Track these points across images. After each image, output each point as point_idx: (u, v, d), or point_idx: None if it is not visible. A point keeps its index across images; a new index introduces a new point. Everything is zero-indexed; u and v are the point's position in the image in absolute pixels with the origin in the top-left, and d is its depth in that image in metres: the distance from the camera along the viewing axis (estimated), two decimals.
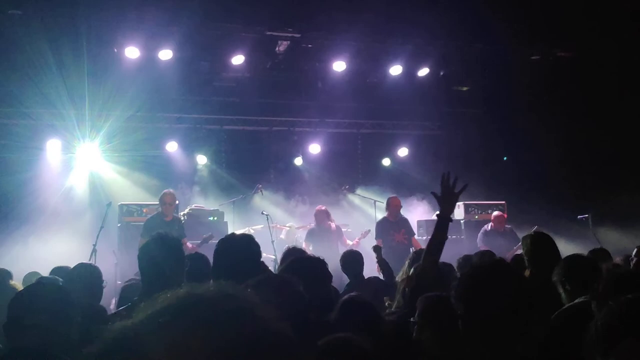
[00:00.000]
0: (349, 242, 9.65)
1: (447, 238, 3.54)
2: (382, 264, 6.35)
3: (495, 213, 10.62)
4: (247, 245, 3.09)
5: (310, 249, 9.12)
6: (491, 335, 2.02)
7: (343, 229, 11.78)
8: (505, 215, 10.85)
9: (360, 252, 6.40)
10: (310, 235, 9.80)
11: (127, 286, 5.04)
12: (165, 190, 9.01)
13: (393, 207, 10.04)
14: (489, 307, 2.04)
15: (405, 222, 10.10)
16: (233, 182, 12.31)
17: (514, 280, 2.14)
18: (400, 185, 12.82)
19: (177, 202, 9.11)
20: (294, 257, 3.47)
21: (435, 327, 2.84)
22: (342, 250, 9.29)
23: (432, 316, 2.87)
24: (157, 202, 9.15)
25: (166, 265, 3.08)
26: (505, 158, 12.64)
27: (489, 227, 10.38)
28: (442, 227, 3.49)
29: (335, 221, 10.37)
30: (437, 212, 3.58)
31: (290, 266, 3.08)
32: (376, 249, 6.74)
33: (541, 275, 3.97)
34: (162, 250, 3.13)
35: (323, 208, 10.07)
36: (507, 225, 10.38)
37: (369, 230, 10.02)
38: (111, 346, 0.80)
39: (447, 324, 2.50)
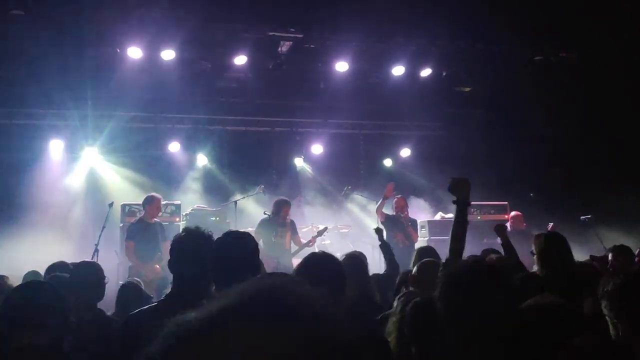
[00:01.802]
0: (303, 241, 9.34)
1: (468, 222, 3.46)
2: (384, 247, 6.33)
3: (513, 213, 10.61)
4: (244, 243, 3.06)
5: (260, 242, 9.01)
6: (472, 340, 2.00)
7: (345, 230, 11.78)
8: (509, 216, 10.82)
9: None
10: (262, 226, 9.20)
11: (125, 287, 5.08)
12: (155, 195, 9.10)
13: (397, 208, 10.03)
14: (469, 310, 2.01)
15: (412, 222, 10.09)
16: (235, 182, 12.30)
17: (498, 283, 2.11)
18: (402, 186, 12.79)
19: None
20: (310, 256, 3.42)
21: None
22: (294, 247, 9.15)
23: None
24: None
25: (200, 261, 2.99)
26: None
27: (509, 227, 10.37)
28: (461, 210, 3.40)
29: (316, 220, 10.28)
30: (454, 199, 3.45)
31: (303, 265, 3.04)
32: (378, 230, 6.72)
33: (553, 275, 3.96)
34: (197, 245, 3.04)
35: (285, 198, 9.62)
36: (524, 224, 10.39)
37: (326, 228, 9.94)
38: (179, 339, 0.75)
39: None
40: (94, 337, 3.31)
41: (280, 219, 9.21)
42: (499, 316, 1.98)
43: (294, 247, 9.28)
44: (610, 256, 6.04)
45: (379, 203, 9.99)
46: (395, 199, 10.18)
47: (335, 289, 2.85)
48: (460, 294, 2.04)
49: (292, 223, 9.46)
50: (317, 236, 9.41)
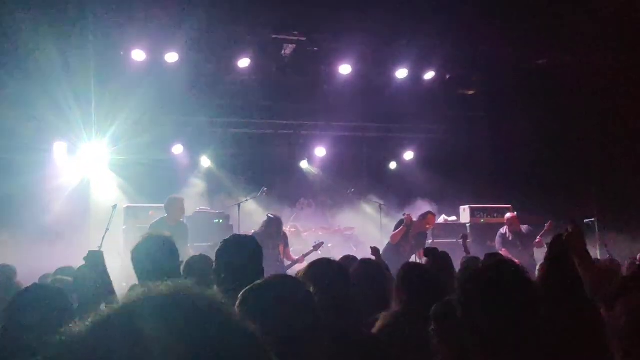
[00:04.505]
0: (294, 257, 9.06)
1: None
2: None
3: (508, 215, 10.30)
4: (248, 246, 3.08)
5: None
6: (492, 344, 1.96)
7: (348, 233, 11.76)
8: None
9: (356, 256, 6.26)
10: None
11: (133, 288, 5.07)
12: (177, 196, 9.01)
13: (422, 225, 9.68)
14: (490, 313, 1.97)
15: (420, 237, 9.70)
16: (238, 185, 12.31)
17: (520, 285, 2.06)
18: (406, 189, 12.81)
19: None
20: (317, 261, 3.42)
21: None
22: (286, 263, 8.88)
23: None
24: (163, 204, 9.16)
25: (158, 266, 3.07)
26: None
27: (505, 230, 10.20)
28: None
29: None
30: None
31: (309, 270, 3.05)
32: (374, 251, 6.69)
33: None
34: (154, 251, 3.12)
35: (274, 216, 9.20)
36: (524, 226, 10.08)
37: (322, 243, 9.56)
38: (65, 349, 0.75)
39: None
40: None
41: (272, 233, 8.88)
42: (520, 321, 1.94)
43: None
44: None
45: (398, 230, 9.34)
46: (428, 218, 9.63)
47: (342, 295, 2.84)
48: (478, 297, 2.00)
49: (285, 236, 9.24)
50: (312, 251, 9.03)
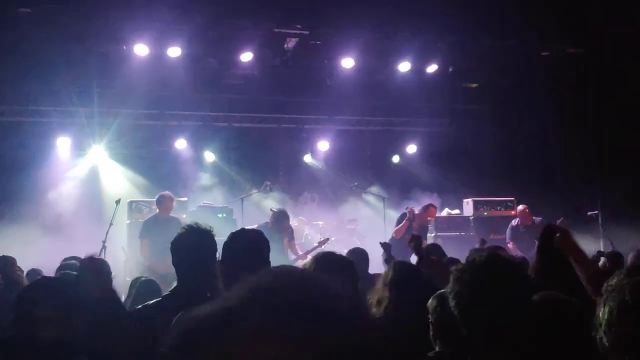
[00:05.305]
0: (299, 252, 8.98)
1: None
2: (389, 261, 6.29)
3: (520, 207, 10.36)
4: (256, 240, 3.08)
5: None
6: (488, 340, 1.96)
7: (351, 227, 11.76)
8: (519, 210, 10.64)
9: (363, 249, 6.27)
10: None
11: (142, 282, 5.09)
12: (164, 194, 9.01)
13: (423, 218, 9.88)
14: (481, 305, 1.96)
15: (424, 230, 9.80)
16: (242, 179, 12.33)
17: (512, 278, 2.05)
18: (409, 182, 12.80)
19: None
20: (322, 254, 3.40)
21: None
22: (291, 256, 8.86)
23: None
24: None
25: (201, 257, 3.06)
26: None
27: (516, 223, 10.19)
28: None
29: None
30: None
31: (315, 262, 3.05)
32: (385, 246, 6.68)
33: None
34: (197, 241, 3.12)
35: (281, 210, 9.21)
36: (536, 218, 10.08)
37: (327, 239, 9.56)
38: (186, 339, 0.75)
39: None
40: (102, 330, 3.36)
41: (277, 227, 8.84)
42: (513, 312, 1.94)
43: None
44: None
45: (401, 224, 9.59)
46: (430, 210, 9.88)
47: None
48: (469, 289, 1.99)
49: (290, 229, 9.22)
50: (317, 247, 8.98)
